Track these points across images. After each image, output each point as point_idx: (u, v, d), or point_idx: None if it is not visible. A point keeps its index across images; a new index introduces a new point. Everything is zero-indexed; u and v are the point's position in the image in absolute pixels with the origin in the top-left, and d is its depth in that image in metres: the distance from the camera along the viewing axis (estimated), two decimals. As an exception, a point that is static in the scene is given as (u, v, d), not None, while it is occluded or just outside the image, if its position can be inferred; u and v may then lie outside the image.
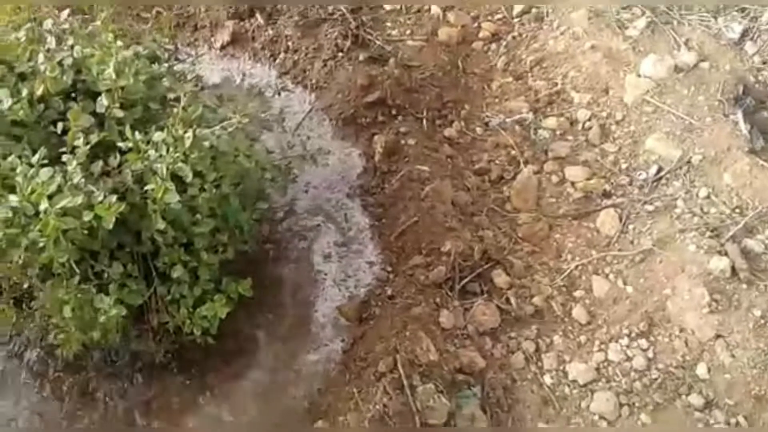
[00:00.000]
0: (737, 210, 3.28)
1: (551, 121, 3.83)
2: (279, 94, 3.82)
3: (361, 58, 4.16)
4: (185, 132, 2.71)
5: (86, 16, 3.55)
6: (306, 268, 3.41)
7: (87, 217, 2.54)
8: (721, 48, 3.93)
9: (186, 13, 4.60)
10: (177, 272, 2.85)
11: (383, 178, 3.64)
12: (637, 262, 3.21)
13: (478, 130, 3.88)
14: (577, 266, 3.27)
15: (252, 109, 3.22)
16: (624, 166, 3.59)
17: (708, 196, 3.35)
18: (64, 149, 2.72)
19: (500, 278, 3.21)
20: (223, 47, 4.48)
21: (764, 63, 3.88)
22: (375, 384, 2.79)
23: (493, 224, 3.43)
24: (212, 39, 4.52)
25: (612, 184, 3.52)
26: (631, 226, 3.35)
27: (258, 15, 4.58)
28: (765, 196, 3.27)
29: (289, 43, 4.39)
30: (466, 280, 3.19)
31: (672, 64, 3.81)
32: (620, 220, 3.37)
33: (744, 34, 3.99)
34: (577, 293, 3.20)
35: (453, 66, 4.24)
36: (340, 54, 4.23)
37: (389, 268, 3.33)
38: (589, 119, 3.80)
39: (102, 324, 2.72)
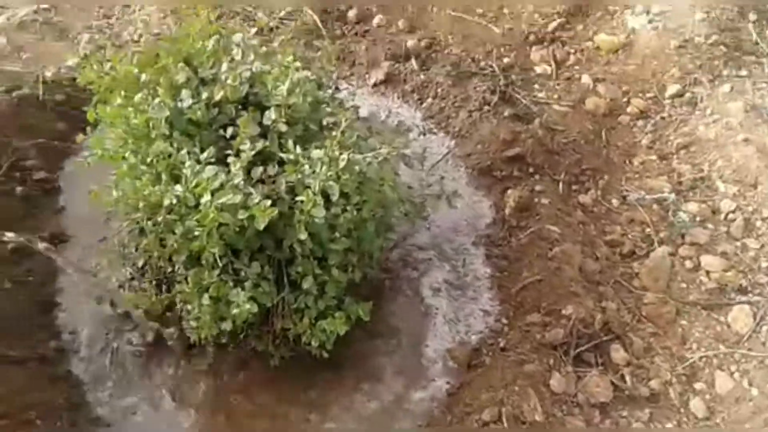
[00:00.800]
0: None
1: (692, 206, 3.74)
2: (423, 135, 3.96)
3: (506, 114, 4.26)
4: (341, 154, 2.88)
5: (266, 38, 3.86)
6: (419, 304, 3.48)
7: (242, 215, 2.73)
8: None
9: (348, 49, 4.90)
10: (307, 283, 2.98)
11: (511, 231, 3.68)
12: (766, 365, 3.05)
13: (615, 202, 3.84)
14: (701, 357, 3.14)
15: (398, 144, 3.38)
16: (765, 264, 3.44)
17: None
18: (229, 152, 2.96)
19: (618, 353, 3.13)
20: (375, 85, 4.73)
21: None
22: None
23: (618, 297, 3.37)
24: (367, 76, 4.78)
25: (749, 280, 3.38)
26: (765, 327, 3.19)
27: (413, 60, 4.81)
28: None
29: (438, 90, 4.57)
30: (582, 348, 3.14)
31: (831, 170, 3.65)
32: (754, 318, 3.21)
33: None
34: (698, 385, 3.06)
35: (596, 136, 4.24)
36: (486, 107, 4.35)
37: (505, 321, 3.33)
38: (734, 211, 3.68)
39: (233, 317, 2.88)
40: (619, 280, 3.46)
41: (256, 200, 2.75)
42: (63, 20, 5.13)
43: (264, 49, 3.49)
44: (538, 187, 3.82)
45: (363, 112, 4.45)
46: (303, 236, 2.86)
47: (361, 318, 3.10)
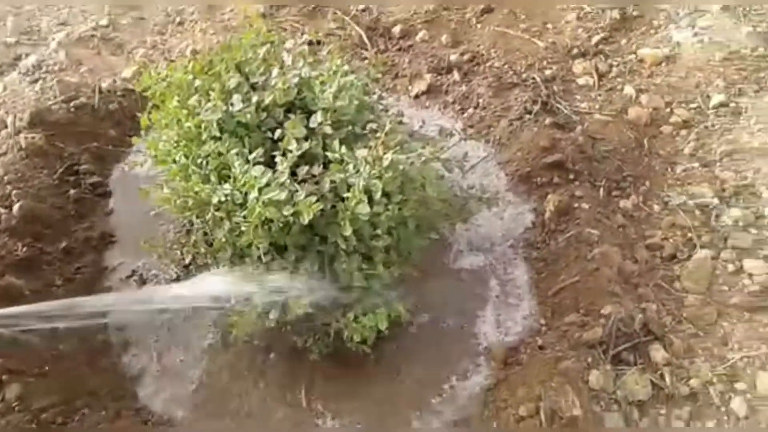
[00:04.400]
0: None
1: (735, 212, 3.72)
2: (464, 140, 4.05)
3: (546, 122, 4.32)
4: (385, 153, 3.00)
5: (315, 46, 4.04)
6: (457, 304, 3.54)
7: (287, 211, 2.87)
8: None
9: (391, 62, 5.05)
10: (356, 279, 3.09)
11: (550, 235, 3.72)
12: (811, 367, 3.01)
13: (656, 207, 3.85)
14: (742, 357, 3.11)
15: (439, 149, 3.48)
16: (809, 268, 3.40)
17: None
18: (276, 153, 3.11)
19: (658, 353, 3.13)
20: (417, 96, 4.86)
21: None
22: (514, 425, 2.81)
23: (657, 299, 3.37)
24: (409, 87, 4.92)
25: (794, 283, 3.34)
26: (810, 330, 3.15)
27: (455, 72, 4.93)
28: None
29: (480, 101, 4.67)
30: (621, 347, 3.14)
31: None
32: (798, 321, 3.18)
33: None
34: (739, 385, 3.03)
35: (638, 145, 4.27)
36: (527, 116, 4.42)
37: (543, 321, 3.37)
38: (778, 217, 3.66)
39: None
40: (659, 282, 3.46)
41: (302, 197, 2.89)
42: (119, 35, 5.45)
43: (312, 58, 3.67)
44: (578, 193, 3.86)
45: (407, 120, 4.59)
46: (348, 232, 2.97)
47: (401, 317, 3.19)
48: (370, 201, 2.99)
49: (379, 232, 3.06)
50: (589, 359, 3.08)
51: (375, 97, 3.63)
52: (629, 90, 4.63)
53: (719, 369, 3.10)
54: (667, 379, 3.06)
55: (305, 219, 2.84)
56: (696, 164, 4.09)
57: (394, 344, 3.31)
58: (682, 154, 4.19)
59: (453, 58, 5.02)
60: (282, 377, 3.28)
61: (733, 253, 3.53)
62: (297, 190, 2.94)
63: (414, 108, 4.77)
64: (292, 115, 3.21)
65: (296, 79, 3.32)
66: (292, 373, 3.28)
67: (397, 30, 5.37)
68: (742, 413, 2.94)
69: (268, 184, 2.95)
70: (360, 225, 3.01)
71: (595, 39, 5.06)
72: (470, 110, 4.64)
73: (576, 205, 3.79)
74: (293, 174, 3.06)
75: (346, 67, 3.25)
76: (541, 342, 3.21)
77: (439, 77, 4.91)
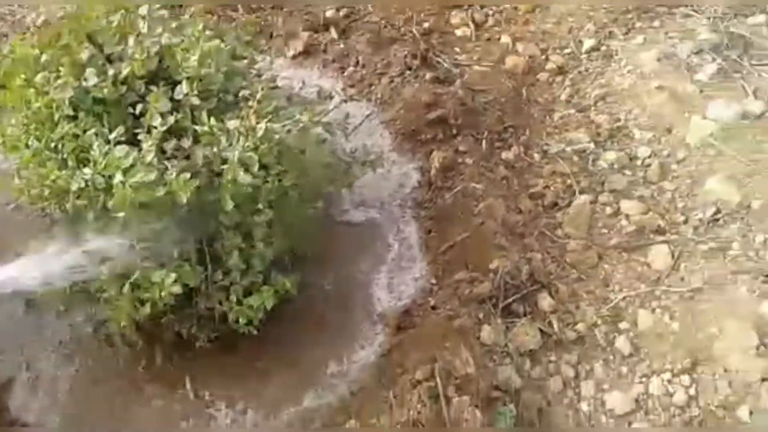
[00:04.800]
0: (794, 259, 3.22)
1: (611, 155, 3.84)
2: (345, 102, 3.93)
3: (427, 77, 4.27)
4: (258, 123, 2.84)
5: (177, 10, 3.76)
6: (348, 272, 3.48)
7: (160, 192, 2.67)
8: (790, 100, 3.89)
9: (265, 21, 4.81)
10: (233, 258, 2.95)
11: (437, 193, 3.71)
12: (686, 299, 3.18)
13: (536, 156, 3.91)
14: (624, 298, 3.25)
15: (319, 111, 3.35)
16: (680, 204, 3.57)
17: (765, 242, 3.29)
18: (139, 130, 2.88)
19: (545, 301, 3.21)
20: (295, 56, 4.67)
21: (834, 118, 3.82)
22: (410, 391, 2.81)
23: (542, 248, 3.45)
24: (286, 48, 4.71)
25: (667, 221, 3.50)
26: (683, 264, 3.31)
27: (332, 29, 4.76)
28: (825, 248, 3.20)
29: (359, 58, 4.54)
30: (510, 299, 3.20)
31: (739, 111, 3.80)
32: (672, 257, 3.34)
33: (815, 88, 3.95)
34: (622, 325, 3.17)
35: (517, 93, 4.30)
36: (408, 72, 4.36)
37: (434, 281, 3.37)
38: (650, 156, 3.80)
39: (154, 301, 2.81)
40: (543, 230, 3.53)
41: (173, 175, 2.70)
42: (-38, 8, 4.89)
43: (176, 22, 3.41)
44: (461, 147, 3.86)
45: (283, 84, 4.40)
46: (229, 206, 2.82)
47: (289, 292, 3.09)
48: (248, 174, 2.84)
49: (260, 206, 2.91)
50: (480, 315, 3.12)
51: (246, 61, 3.43)
52: (506, 39, 4.65)
53: (603, 311, 3.22)
54: (555, 325, 3.15)
55: (183, 198, 2.66)
56: (572, 110, 4.18)
57: (285, 322, 3.20)
58: (559, 100, 4.27)
59: (329, 14, 4.85)
60: (166, 370, 3.12)
61: (610, 196, 3.65)
62: (167, 168, 2.74)
63: (292, 69, 4.58)
64: (154, 88, 2.98)
65: (156, 48, 3.07)
66: (178, 364, 3.12)
67: (268, -14, 5.11)
68: (627, 351, 3.07)
69: (133, 165, 2.73)
70: (242, 199, 2.85)
71: (471, -12, 5.00)
72: (350, 69, 4.51)
73: (460, 160, 3.79)
74: (162, 151, 2.85)
75: (209, 32, 3.03)
76: (433, 302, 3.22)
77: (316, 36, 4.73)
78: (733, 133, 3.73)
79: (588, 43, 4.50)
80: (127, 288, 2.83)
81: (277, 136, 2.90)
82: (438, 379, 2.83)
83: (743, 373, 2.88)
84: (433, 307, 3.18)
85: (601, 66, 4.39)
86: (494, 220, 3.43)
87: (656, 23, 4.58)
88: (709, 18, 4.52)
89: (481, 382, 2.86)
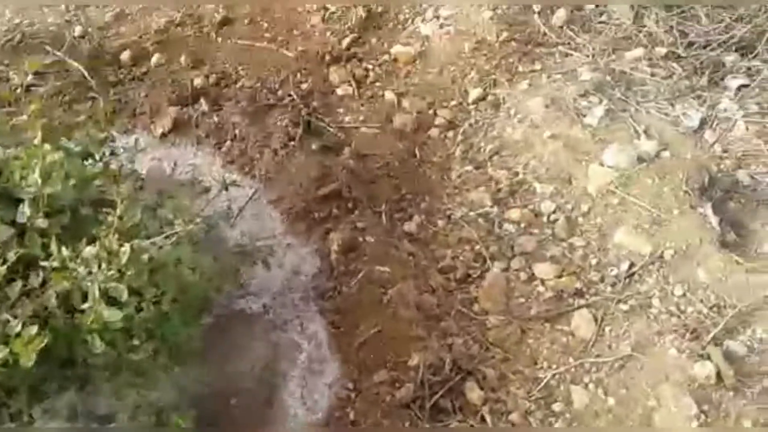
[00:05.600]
0: (715, 309, 3.13)
1: (515, 213, 3.66)
2: (226, 189, 3.53)
3: (313, 147, 3.95)
4: (121, 245, 2.39)
5: (12, 109, 3.23)
6: (255, 388, 3.05)
7: (1, 353, 2.16)
8: (680, 136, 3.88)
9: (124, 99, 4.33)
10: (123, 398, 2.47)
11: (340, 280, 3.36)
12: (616, 369, 3.00)
13: (440, 223, 3.67)
14: (554, 375, 3.03)
15: (196, 208, 2.94)
16: (594, 261, 3.42)
17: (684, 294, 3.19)
18: (-28, 267, 2.36)
19: (473, 393, 2.94)
20: (164, 134, 4.21)
21: (725, 152, 3.84)
22: None
23: (461, 329, 3.18)
24: (152, 126, 4.24)
25: (583, 281, 3.34)
26: (607, 329, 3.15)
27: (202, 100, 4.35)
28: (742, 294, 3.13)
29: (236, 131, 4.16)
30: (436, 396, 2.91)
31: (634, 154, 3.73)
32: (595, 321, 3.17)
33: (703, 122, 3.97)
34: (556, 406, 2.95)
35: (410, 155, 4.06)
36: (291, 143, 4.02)
37: (350, 386, 3.00)
38: (554, 211, 3.65)
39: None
40: (459, 309, 3.27)
41: (18, 329, 2.19)
42: None
43: (12, 123, 2.91)
44: (360, 224, 3.55)
45: (150, 170, 3.93)
46: (99, 348, 2.34)
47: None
48: (119, 305, 2.38)
49: (136, 342, 2.45)
50: (407, 423, 2.78)
51: (105, 159, 2.97)
52: (390, 95, 4.41)
53: (535, 393, 2.98)
54: (488, 419, 2.88)
55: (28, 362, 2.16)
56: (469, 167, 3.99)
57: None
58: (454, 157, 4.07)
59: (197, 82, 4.43)
60: None
61: (522, 260, 3.46)
62: (9, 320, 2.23)
63: (162, 149, 4.12)
64: (-11, 212, 2.47)
65: (-13, 163, 2.56)
66: None
67: (126, 56, 4.64)
68: (565, 437, 2.85)
69: (-35, 320, 2.21)
70: (113, 336, 2.38)
71: (346, 42, 4.76)
72: (227, 143, 4.10)
73: (360, 238, 3.49)
74: (4, 294, 2.34)
75: (47, 146, 2.55)
76: (353, 414, 2.85)
77: (185, 109, 4.29)
78: (632, 179, 3.64)
79: (474, 93, 4.34)
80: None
81: (145, 256, 2.46)
82: None
83: (690, 448, 2.72)
84: (353, 422, 2.82)
85: (490, 117, 4.24)
86: (407, 306, 3.14)
87: (537, 65, 4.49)
88: (587, 56, 4.49)
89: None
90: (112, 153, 3.32)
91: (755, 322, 3.08)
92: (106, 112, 3.63)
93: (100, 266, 2.36)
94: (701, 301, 3.16)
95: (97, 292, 2.30)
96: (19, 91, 3.87)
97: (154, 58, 4.65)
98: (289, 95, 4.38)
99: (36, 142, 2.61)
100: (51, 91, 4.22)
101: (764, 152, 3.84)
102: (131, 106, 4.36)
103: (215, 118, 4.24)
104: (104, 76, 4.53)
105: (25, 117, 2.99)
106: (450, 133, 4.19)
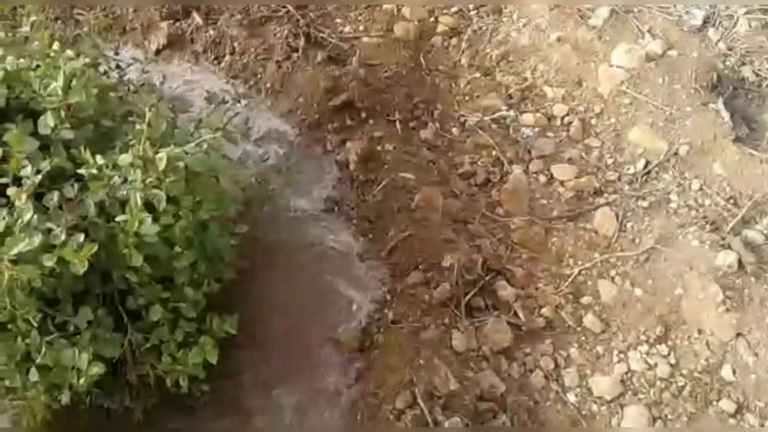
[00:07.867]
0: (732, 201, 3.21)
1: (528, 118, 3.64)
2: (238, 101, 3.42)
3: (318, 58, 3.83)
4: (156, 152, 2.32)
5: (9, 22, 3.03)
6: (287, 296, 3.04)
7: (49, 262, 2.10)
8: (684, 35, 3.87)
9: (111, 14, 4.10)
10: (156, 314, 2.44)
11: (363, 188, 3.33)
12: (642, 262, 3.08)
13: (455, 130, 3.63)
14: (580, 271, 3.09)
15: (215, 121, 2.85)
16: (610, 161, 3.45)
17: (701, 188, 3.26)
18: (5, 180, 2.27)
19: (505, 291, 2.98)
20: (159, 51, 4.02)
21: (730, 49, 3.85)
22: (395, 424, 2.48)
23: (488, 232, 3.20)
24: (145, 42, 4.04)
25: (601, 180, 3.38)
26: (629, 225, 3.21)
27: (195, 14, 4.14)
28: (757, 185, 3.22)
29: (235, 45, 3.98)
30: (470, 295, 2.94)
31: (642, 54, 3.72)
32: (617, 218, 3.22)
33: (706, 20, 3.96)
34: (585, 300, 3.02)
35: (416, 63, 3.97)
36: (295, 55, 3.87)
37: (385, 289, 3.02)
38: (567, 114, 3.65)
39: (73, 386, 2.26)
40: (484, 212, 3.28)
41: (63, 237, 2.13)
42: None
43: (14, 37, 2.75)
44: (376, 133, 3.49)
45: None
46: (138, 262, 2.30)
47: (227, 336, 2.63)
48: (155, 212, 2.32)
49: (178, 249, 2.41)
50: (447, 320, 2.83)
51: (115, 73, 2.84)
52: (388, 4, 4.26)
53: (563, 288, 3.05)
54: (521, 315, 2.94)
55: (80, 269, 2.11)
56: (477, 74, 3.93)
57: (229, 369, 2.73)
58: (460, 65, 3.99)
59: (187, -5, 4.21)
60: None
61: (540, 163, 3.47)
62: (52, 229, 2.16)
63: (160, 67, 3.94)
64: (10, 125, 2.35)
65: (1, 74, 2.43)
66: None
67: (105, -30, 4.35)
68: (598, 328, 2.94)
69: (8, 231, 2.13)
70: (152, 248, 2.34)
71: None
72: (227, 58, 3.94)
73: (379, 147, 3.43)
74: (43, 206, 2.26)
75: (69, 52, 2.42)
76: (392, 315, 2.87)
77: (177, 24, 4.08)
78: (642, 78, 3.65)
79: (475, -1, 4.23)
80: (33, 373, 2.26)
81: (181, 164, 2.39)
82: (422, 405, 2.52)
83: (717, 332, 2.83)
84: (394, 321, 2.84)
85: (493, 23, 4.14)
86: (435, 210, 3.13)
87: (542, -33, 4.38)
88: (588, -45, 4.39)
89: (466, 397, 2.59)
90: (117, 67, 3.20)
91: (771, 211, 3.17)
92: (98, 25, 3.42)
93: (137, 174, 2.29)
94: (718, 194, 3.24)
95: (139, 200, 2.24)
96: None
97: (138, -30, 4.39)
98: (284, 6, 4.19)
99: (53, 51, 2.46)
100: (39, 19, 3.97)
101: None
102: (120, 22, 4.13)
103: (211, 32, 4.04)
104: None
105: (27, 28, 2.83)
106: (453, 41, 4.10)
